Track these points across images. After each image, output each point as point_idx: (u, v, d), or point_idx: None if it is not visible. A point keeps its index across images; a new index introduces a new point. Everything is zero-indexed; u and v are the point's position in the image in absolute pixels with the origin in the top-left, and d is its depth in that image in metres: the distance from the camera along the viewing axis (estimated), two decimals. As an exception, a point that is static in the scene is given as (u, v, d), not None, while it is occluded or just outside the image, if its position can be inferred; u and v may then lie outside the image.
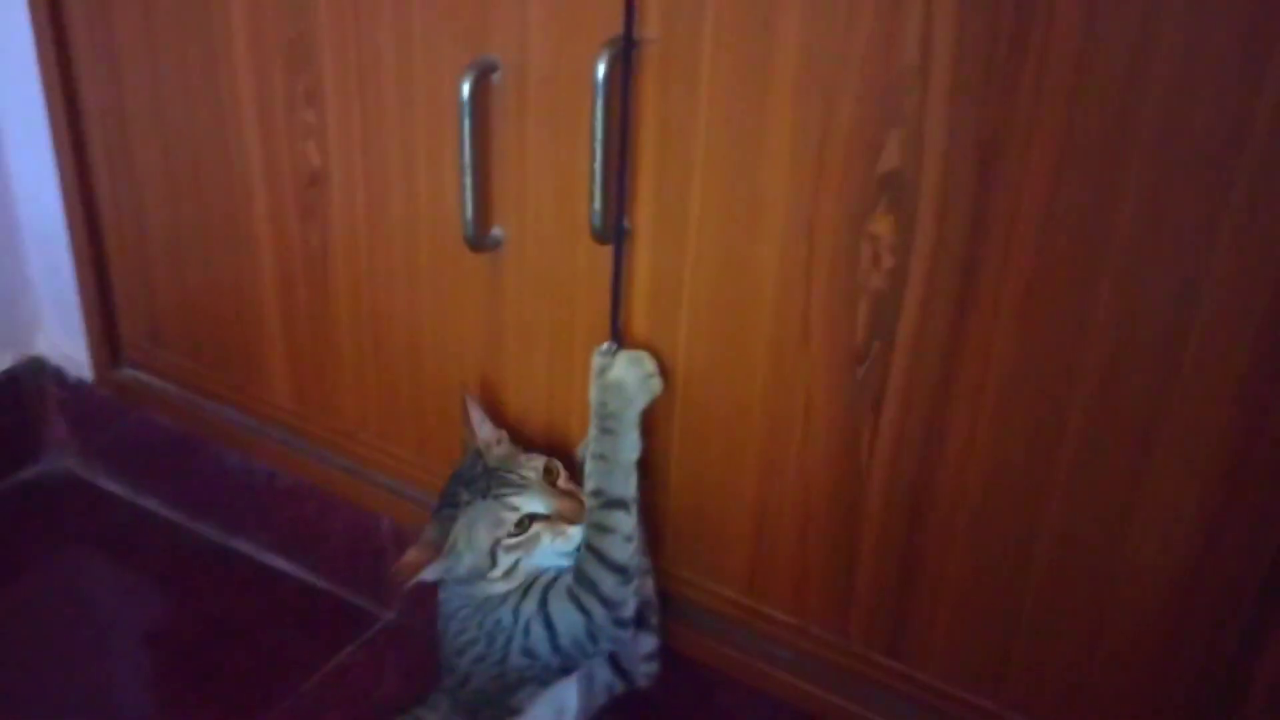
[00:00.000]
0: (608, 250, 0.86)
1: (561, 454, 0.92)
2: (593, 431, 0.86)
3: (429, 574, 0.88)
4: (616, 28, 0.78)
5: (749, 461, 0.87)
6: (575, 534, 0.86)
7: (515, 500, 0.87)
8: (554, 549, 0.87)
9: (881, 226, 0.75)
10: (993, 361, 0.75)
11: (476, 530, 0.87)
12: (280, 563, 1.23)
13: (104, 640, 1.14)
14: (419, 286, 0.97)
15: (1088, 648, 0.79)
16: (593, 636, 0.87)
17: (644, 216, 0.84)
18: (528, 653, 0.88)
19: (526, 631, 0.88)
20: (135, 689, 1.10)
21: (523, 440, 0.95)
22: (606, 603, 0.85)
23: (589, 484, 0.86)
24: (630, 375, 0.85)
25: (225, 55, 0.99)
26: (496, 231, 0.91)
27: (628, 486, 0.85)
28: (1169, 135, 0.65)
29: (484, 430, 0.92)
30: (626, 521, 0.85)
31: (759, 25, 0.74)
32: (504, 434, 0.93)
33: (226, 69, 0.99)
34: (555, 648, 0.87)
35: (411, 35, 0.88)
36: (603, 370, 0.86)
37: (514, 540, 0.86)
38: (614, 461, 0.85)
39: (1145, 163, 0.66)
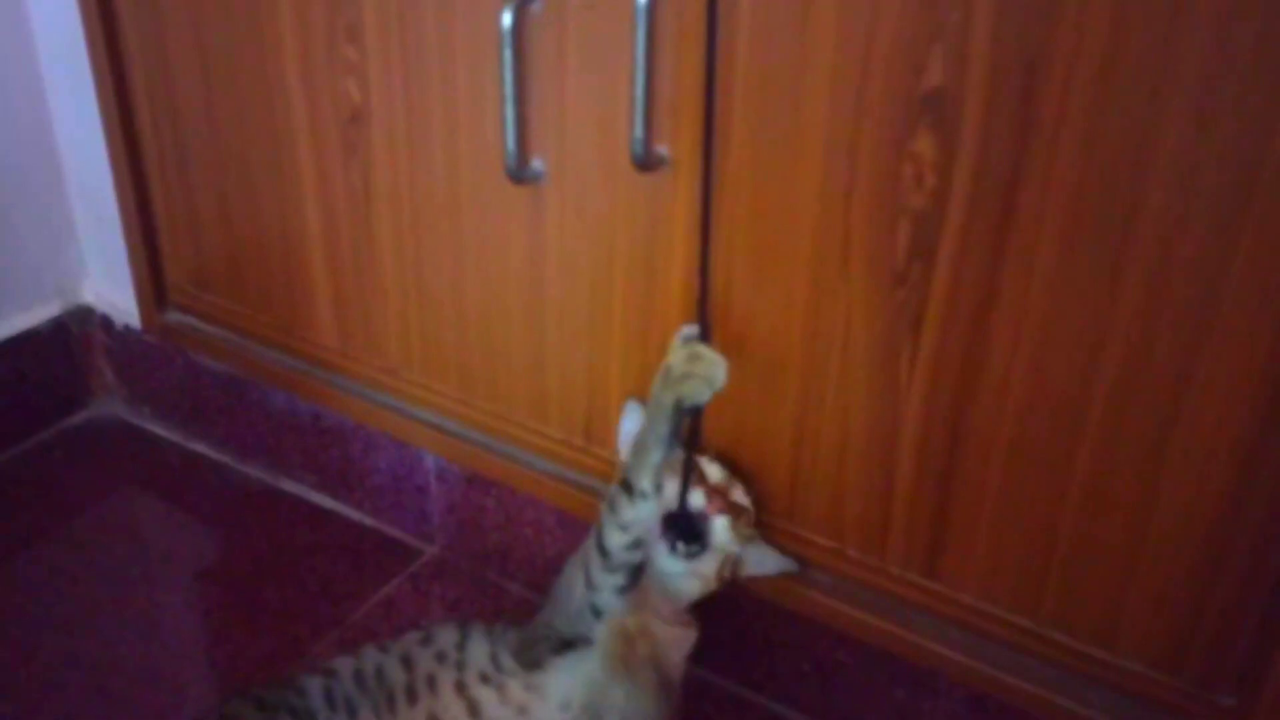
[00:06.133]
0: (646, 181, 0.86)
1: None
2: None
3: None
4: (657, -47, 0.79)
5: (788, 386, 0.88)
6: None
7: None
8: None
9: (924, 145, 0.75)
10: (1035, 281, 0.75)
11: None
12: (326, 500, 1.26)
13: (157, 577, 1.17)
14: (461, 222, 0.98)
15: (1125, 568, 0.80)
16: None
17: (684, 145, 0.84)
18: None
19: None
20: (188, 622, 1.13)
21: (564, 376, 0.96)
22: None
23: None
24: (676, 364, 0.82)
25: (267, -6, 1.00)
26: (537, 164, 0.91)
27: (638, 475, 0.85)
28: (1217, 46, 0.64)
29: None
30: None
31: (800, -55, 0.74)
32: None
33: (268, 7, 1.00)
34: None
35: (451, -32, 0.89)
36: (671, 351, 0.85)
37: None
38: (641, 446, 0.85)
39: (1193, 72, 0.65)
